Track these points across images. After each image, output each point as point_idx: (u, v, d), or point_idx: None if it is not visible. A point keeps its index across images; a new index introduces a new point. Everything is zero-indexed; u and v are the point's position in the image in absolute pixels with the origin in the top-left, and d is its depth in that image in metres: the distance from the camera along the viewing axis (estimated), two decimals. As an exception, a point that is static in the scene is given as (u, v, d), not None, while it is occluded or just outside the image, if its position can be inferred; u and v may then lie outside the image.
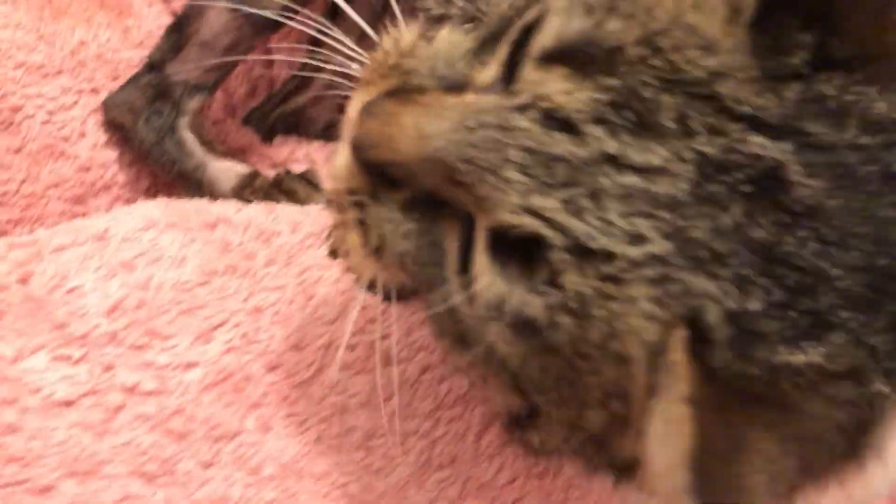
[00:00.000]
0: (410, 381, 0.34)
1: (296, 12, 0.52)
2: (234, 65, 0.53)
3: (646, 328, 0.23)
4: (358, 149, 0.26)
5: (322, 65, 0.59)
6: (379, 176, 0.26)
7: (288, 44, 0.60)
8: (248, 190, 0.50)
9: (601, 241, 0.23)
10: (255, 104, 0.62)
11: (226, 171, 0.51)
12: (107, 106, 0.53)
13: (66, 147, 0.52)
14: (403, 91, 0.27)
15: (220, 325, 0.33)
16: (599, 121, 0.23)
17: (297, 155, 0.57)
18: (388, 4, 0.54)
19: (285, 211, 0.43)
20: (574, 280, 0.23)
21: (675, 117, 0.23)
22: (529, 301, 0.24)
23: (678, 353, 0.23)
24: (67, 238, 0.36)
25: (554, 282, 0.23)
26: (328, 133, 0.61)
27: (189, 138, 0.52)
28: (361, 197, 0.27)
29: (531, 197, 0.23)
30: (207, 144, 0.53)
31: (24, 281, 0.33)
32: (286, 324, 0.34)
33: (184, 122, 0.52)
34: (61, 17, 0.56)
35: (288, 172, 0.51)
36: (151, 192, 0.55)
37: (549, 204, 0.23)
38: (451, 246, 0.26)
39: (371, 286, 0.30)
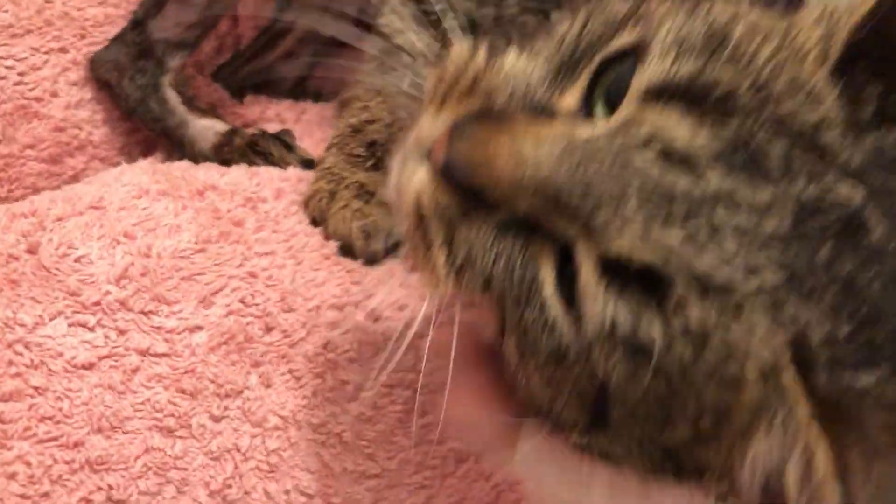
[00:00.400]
0: (393, 337, 0.37)
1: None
2: (215, 22, 0.54)
3: (762, 352, 0.25)
4: (451, 170, 0.26)
5: (290, 25, 0.61)
6: (471, 198, 0.27)
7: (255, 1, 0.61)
8: (227, 148, 0.51)
9: (723, 274, 0.24)
10: (222, 61, 0.64)
11: (206, 129, 0.52)
12: (93, 63, 0.54)
13: (39, 108, 0.53)
14: (489, 114, 0.27)
15: (220, 290, 0.36)
16: (717, 160, 0.25)
17: (269, 114, 0.58)
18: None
19: (267, 176, 0.45)
20: (697, 310, 0.24)
21: (782, 162, 0.25)
22: (649, 328, 0.25)
23: (791, 374, 0.25)
24: (67, 208, 0.38)
25: (677, 311, 0.24)
26: (297, 91, 0.62)
27: (172, 96, 0.53)
28: (450, 216, 0.27)
29: (653, 231, 0.24)
30: (189, 102, 0.54)
31: (32, 251, 0.35)
32: (278, 287, 0.37)
33: (166, 80, 0.53)
34: None
35: (263, 133, 0.52)
36: (126, 151, 0.56)
37: (671, 238, 0.24)
38: (547, 269, 0.27)
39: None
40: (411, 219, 0.28)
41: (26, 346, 0.32)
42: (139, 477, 0.33)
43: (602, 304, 0.25)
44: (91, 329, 0.33)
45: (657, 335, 0.24)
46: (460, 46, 0.29)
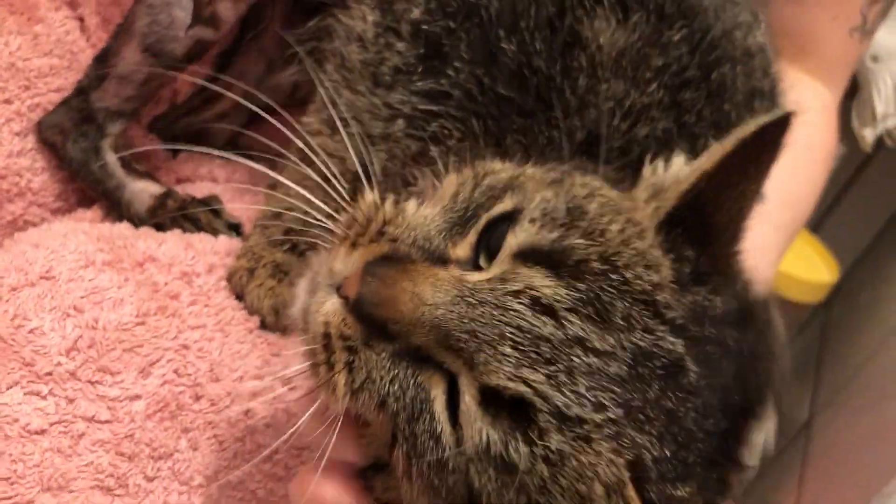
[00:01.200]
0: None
1: (204, 51, 0.58)
2: (154, 94, 0.59)
3: (607, 473, 0.30)
4: (360, 304, 0.31)
5: (224, 91, 0.65)
6: (375, 329, 0.31)
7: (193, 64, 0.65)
8: (160, 211, 0.56)
9: (575, 410, 0.29)
10: (158, 112, 0.68)
11: (142, 191, 0.57)
12: (40, 126, 0.58)
13: None
14: (395, 259, 0.32)
15: (157, 361, 0.41)
16: (573, 311, 0.30)
17: (202, 171, 0.63)
18: (281, 49, 0.60)
19: (201, 247, 0.50)
20: (556, 438, 0.29)
21: (623, 317, 0.30)
22: (516, 450, 0.29)
23: (631, 489, 0.30)
24: (20, 277, 0.42)
25: (540, 437, 0.29)
26: (227, 147, 0.67)
27: (111, 160, 0.57)
28: (354, 343, 0.31)
29: (523, 369, 0.29)
30: (127, 165, 0.58)
31: None
32: (207, 359, 0.43)
33: (106, 144, 0.57)
34: None
35: (193, 199, 0.57)
36: (63, 197, 0.60)
37: (537, 377, 0.29)
38: (437, 394, 0.31)
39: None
40: (318, 342, 0.32)
41: (-15, 413, 0.37)
42: None
43: (479, 426, 0.30)
44: (44, 397, 0.38)
45: (522, 457, 0.29)
46: (370, 195, 0.35)
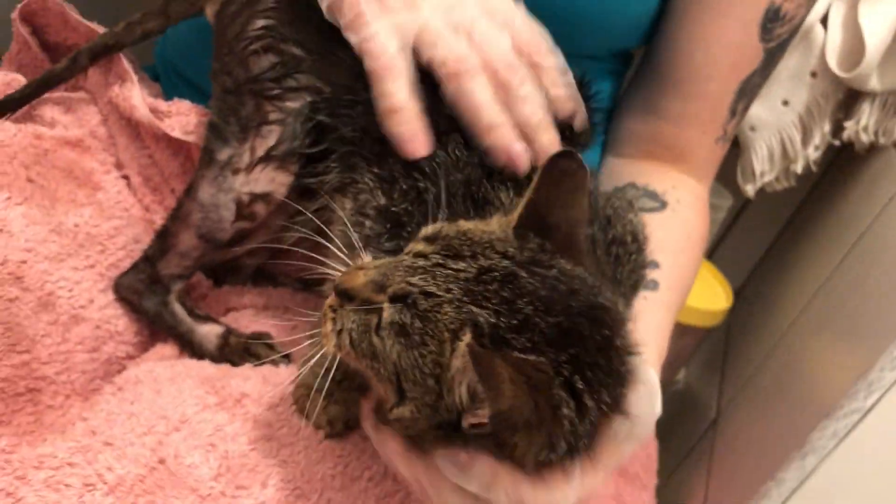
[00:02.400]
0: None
1: (245, 237, 0.73)
2: (207, 262, 0.74)
3: (453, 323, 0.45)
4: (336, 288, 0.49)
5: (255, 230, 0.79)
6: (344, 297, 0.49)
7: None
8: (227, 349, 0.72)
9: (433, 289, 0.46)
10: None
11: (208, 333, 0.72)
12: (116, 286, 0.72)
13: (82, 312, 0.70)
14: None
15: (269, 475, 0.56)
16: (436, 254, 0.48)
17: (245, 300, 0.78)
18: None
19: (273, 379, 0.65)
20: (423, 304, 0.46)
21: (471, 253, 0.48)
22: (405, 315, 0.46)
23: (467, 335, 0.45)
24: (167, 425, 0.57)
25: (415, 305, 0.46)
26: (256, 276, 0.83)
27: (178, 310, 0.73)
28: (335, 306, 0.50)
29: (408, 278, 0.46)
30: (192, 313, 0.74)
31: (162, 462, 0.56)
32: (300, 466, 0.59)
33: (172, 298, 0.73)
34: (56, 203, 0.72)
35: (251, 336, 0.72)
36: (141, 335, 0.75)
37: (416, 280, 0.46)
38: (373, 319, 0.47)
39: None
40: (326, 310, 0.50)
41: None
42: None
43: (388, 313, 0.47)
44: None
45: (408, 319, 0.46)
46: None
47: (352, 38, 0.62)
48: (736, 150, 1.21)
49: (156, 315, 0.72)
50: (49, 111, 0.81)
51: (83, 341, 0.70)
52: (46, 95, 0.83)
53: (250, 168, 0.67)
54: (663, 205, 0.79)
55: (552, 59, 0.64)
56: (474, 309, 0.46)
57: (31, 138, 0.76)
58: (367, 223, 0.63)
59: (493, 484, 0.47)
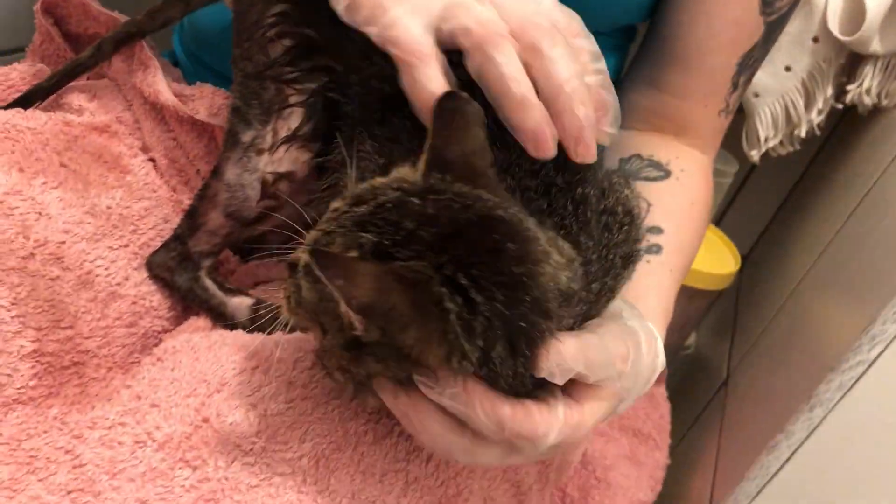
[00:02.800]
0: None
1: (269, 215, 0.75)
2: (235, 240, 0.78)
3: (338, 250, 0.45)
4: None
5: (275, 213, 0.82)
6: (289, 270, 0.50)
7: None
8: (258, 319, 0.73)
9: (335, 230, 0.47)
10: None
11: (239, 305, 0.76)
12: (148, 264, 0.76)
13: (119, 290, 0.73)
14: None
15: (307, 430, 0.60)
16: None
17: (273, 273, 0.81)
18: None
19: (306, 346, 0.70)
20: (323, 243, 0.47)
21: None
22: (310, 260, 0.45)
23: (355, 253, 0.45)
24: (208, 387, 0.61)
25: (321, 251, 0.46)
26: (281, 252, 0.86)
27: (209, 285, 0.76)
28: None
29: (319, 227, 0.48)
30: (222, 286, 0.77)
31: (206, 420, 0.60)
32: (335, 421, 0.64)
33: (203, 274, 0.76)
34: (88, 186, 0.75)
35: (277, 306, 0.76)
36: (174, 308, 0.79)
37: (323, 226, 0.48)
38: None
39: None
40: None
41: None
42: None
43: (302, 261, 0.48)
44: (252, 465, 0.56)
45: (314, 264, 0.44)
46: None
47: (372, 32, 0.58)
48: (740, 116, 1.23)
49: (188, 290, 0.76)
50: (76, 99, 0.85)
51: (121, 317, 0.74)
52: (72, 84, 0.86)
53: (274, 149, 0.69)
54: (667, 174, 0.81)
55: (585, 42, 0.57)
56: (361, 234, 0.46)
57: (62, 125, 0.79)
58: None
59: (469, 402, 0.47)
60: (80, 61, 0.83)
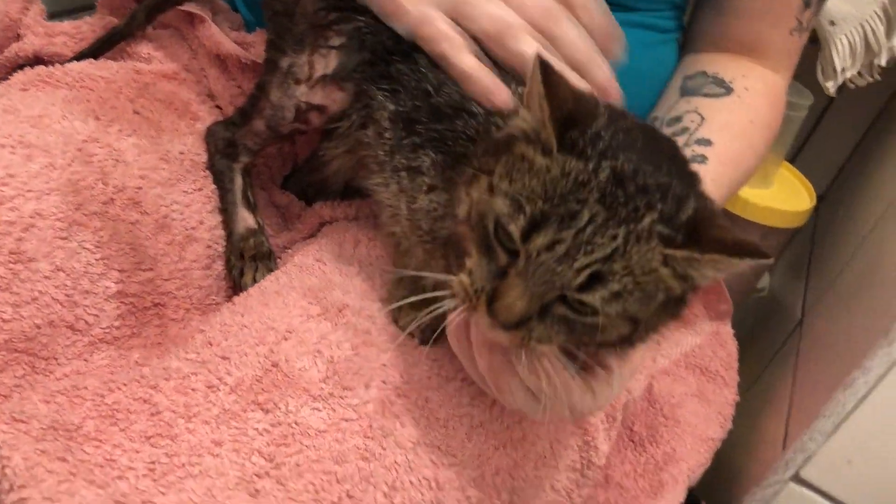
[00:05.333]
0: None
1: (298, 134, 0.80)
2: (271, 145, 0.81)
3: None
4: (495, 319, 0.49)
5: (332, 154, 0.84)
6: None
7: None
8: (243, 243, 0.76)
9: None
10: (286, 173, 0.88)
11: (245, 218, 0.77)
12: (209, 131, 0.80)
13: (194, 233, 0.76)
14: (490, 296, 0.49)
15: (372, 377, 0.60)
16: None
17: (337, 213, 0.81)
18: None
19: (372, 294, 0.71)
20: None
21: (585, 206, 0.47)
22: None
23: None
24: (276, 335, 0.61)
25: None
26: (346, 191, 0.86)
27: (238, 182, 0.79)
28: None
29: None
30: (244, 193, 0.79)
31: (275, 365, 0.61)
32: (398, 369, 0.64)
33: (237, 167, 0.79)
34: (161, 133, 0.77)
35: (268, 251, 0.78)
36: None
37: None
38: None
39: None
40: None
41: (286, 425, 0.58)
42: None
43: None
44: (320, 410, 0.57)
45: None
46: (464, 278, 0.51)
47: (399, 28, 0.67)
48: (815, 47, 1.18)
49: (220, 173, 0.79)
50: (144, 48, 0.87)
51: (198, 259, 0.76)
52: (138, 34, 0.88)
53: (311, 83, 0.73)
54: (729, 91, 0.80)
55: None
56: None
57: (133, 73, 0.81)
58: (386, 134, 0.68)
59: (550, 377, 0.51)
60: (116, 30, 0.86)
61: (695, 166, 0.68)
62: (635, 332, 0.50)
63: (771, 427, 1.07)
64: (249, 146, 0.78)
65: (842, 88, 1.21)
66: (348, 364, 0.63)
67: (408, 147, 0.65)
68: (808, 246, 1.39)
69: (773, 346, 1.27)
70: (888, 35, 1.15)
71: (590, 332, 0.49)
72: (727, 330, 1.09)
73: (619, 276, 0.45)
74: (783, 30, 0.80)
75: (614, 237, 0.45)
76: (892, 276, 0.94)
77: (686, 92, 0.82)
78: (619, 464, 0.96)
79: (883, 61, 1.16)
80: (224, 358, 0.62)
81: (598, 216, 0.45)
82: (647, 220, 0.46)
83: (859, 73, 1.19)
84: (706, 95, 0.79)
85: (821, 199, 1.39)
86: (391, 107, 0.67)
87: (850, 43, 1.15)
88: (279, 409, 0.59)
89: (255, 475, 0.56)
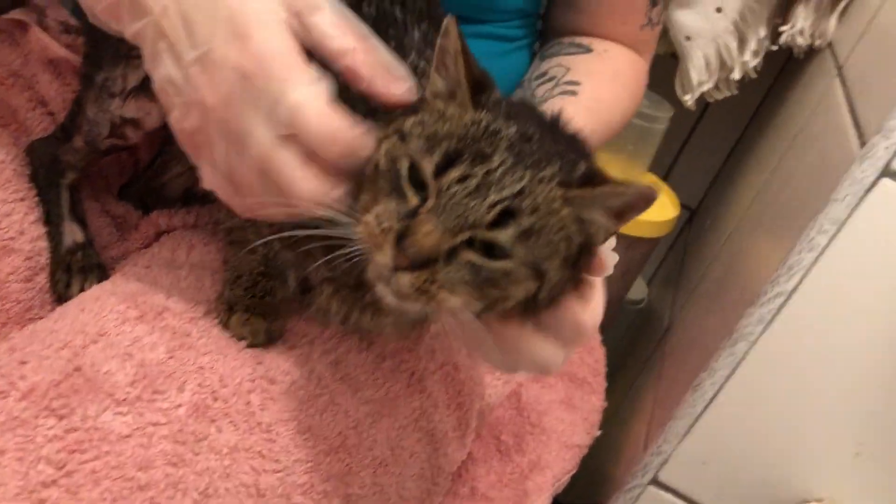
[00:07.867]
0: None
1: (118, 149, 0.78)
2: (93, 163, 0.78)
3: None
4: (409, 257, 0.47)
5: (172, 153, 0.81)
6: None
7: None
8: (70, 257, 0.73)
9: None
10: (124, 181, 0.85)
11: (72, 231, 0.74)
12: (30, 147, 0.76)
13: (12, 244, 0.72)
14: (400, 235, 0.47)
15: (186, 381, 0.57)
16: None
17: (174, 221, 0.78)
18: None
19: (190, 295, 0.68)
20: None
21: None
22: None
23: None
24: (85, 338, 0.59)
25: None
26: (185, 201, 0.83)
27: (65, 196, 0.76)
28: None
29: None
30: (73, 206, 0.76)
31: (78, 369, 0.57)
32: (218, 372, 0.63)
33: (65, 183, 0.76)
34: None
35: (96, 265, 0.75)
36: None
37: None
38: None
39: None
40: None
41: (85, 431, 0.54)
42: None
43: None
44: (125, 415, 0.54)
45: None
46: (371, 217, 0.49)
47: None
48: (674, 61, 1.22)
49: (45, 189, 0.76)
50: (-32, 54, 0.83)
51: (15, 271, 0.72)
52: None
53: (123, 96, 0.71)
54: (588, 50, 0.82)
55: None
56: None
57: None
58: None
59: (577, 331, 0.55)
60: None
61: (567, 99, 0.68)
62: (540, 290, 0.51)
63: (635, 431, 1.08)
64: (73, 163, 0.76)
65: (713, 104, 1.26)
66: (161, 367, 0.60)
67: None
68: (681, 258, 1.42)
69: (645, 353, 1.30)
70: (740, 51, 1.19)
71: (496, 283, 0.50)
72: (595, 337, 1.10)
73: (527, 214, 0.48)
74: (633, 26, 0.83)
75: (521, 178, 0.48)
76: (740, 282, 0.97)
77: (545, 57, 0.83)
78: (484, 474, 0.95)
79: (737, 75, 1.21)
80: (22, 363, 0.59)
81: (507, 161, 0.48)
82: (548, 170, 0.49)
83: (717, 87, 1.23)
84: (567, 54, 0.81)
85: (693, 211, 1.43)
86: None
87: (705, 57, 1.19)
88: (76, 414, 0.56)
89: (41, 484, 0.52)
